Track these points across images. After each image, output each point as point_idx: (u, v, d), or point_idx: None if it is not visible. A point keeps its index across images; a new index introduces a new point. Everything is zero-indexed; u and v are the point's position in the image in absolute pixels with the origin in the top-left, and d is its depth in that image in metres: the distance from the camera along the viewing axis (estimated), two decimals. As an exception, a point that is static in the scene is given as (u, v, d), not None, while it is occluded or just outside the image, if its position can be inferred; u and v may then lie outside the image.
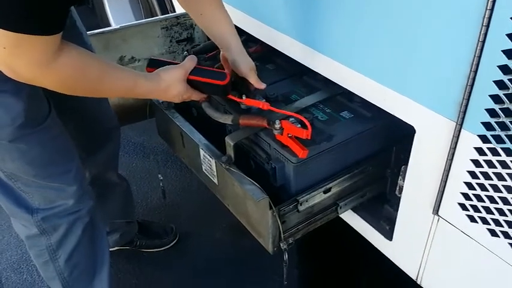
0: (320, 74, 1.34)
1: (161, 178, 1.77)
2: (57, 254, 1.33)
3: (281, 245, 1.19)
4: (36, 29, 0.81)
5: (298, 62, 1.37)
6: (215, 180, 1.34)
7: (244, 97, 1.23)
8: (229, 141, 1.19)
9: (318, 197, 1.21)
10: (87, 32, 1.55)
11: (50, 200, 1.26)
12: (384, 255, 1.35)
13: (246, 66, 1.23)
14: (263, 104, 1.18)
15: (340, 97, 1.33)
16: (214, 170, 1.31)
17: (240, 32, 1.54)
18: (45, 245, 1.32)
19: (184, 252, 1.90)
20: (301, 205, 1.18)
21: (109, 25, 2.80)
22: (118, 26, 1.60)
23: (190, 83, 1.15)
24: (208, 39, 1.68)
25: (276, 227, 1.15)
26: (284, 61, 1.52)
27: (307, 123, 1.08)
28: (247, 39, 1.57)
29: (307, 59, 1.29)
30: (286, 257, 1.21)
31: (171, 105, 1.48)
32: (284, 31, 1.34)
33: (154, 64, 1.17)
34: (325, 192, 1.22)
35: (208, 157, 1.32)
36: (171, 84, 1.11)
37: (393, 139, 1.28)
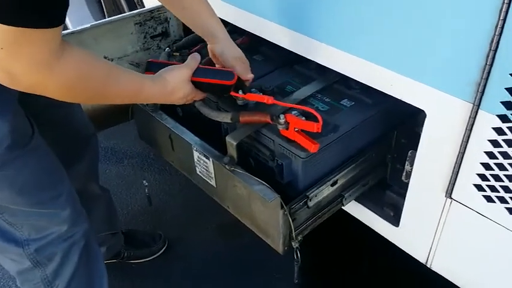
0: (312, 62, 1.30)
1: (146, 184, 1.67)
2: (53, 285, 1.22)
3: (293, 243, 1.14)
4: (37, 21, 0.71)
5: (287, 51, 1.32)
6: (212, 183, 1.28)
7: (240, 92, 1.17)
8: (232, 141, 1.12)
9: (326, 191, 1.17)
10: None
11: (41, 228, 1.14)
12: (383, 242, 1.34)
13: (232, 57, 1.17)
14: (267, 98, 1.12)
15: (337, 85, 1.29)
16: (212, 171, 1.24)
17: (224, 23, 1.47)
18: (40, 277, 1.20)
19: (176, 258, 1.81)
20: (310, 200, 1.14)
21: (66, 28, 2.63)
22: (89, 25, 1.48)
23: (194, 84, 1.08)
24: (188, 33, 1.60)
25: (287, 226, 1.11)
26: (272, 51, 1.46)
27: (318, 116, 1.03)
28: (231, 31, 1.49)
29: (302, 47, 1.24)
30: (298, 255, 1.16)
31: (158, 106, 1.39)
32: (274, 19, 1.28)
33: (152, 67, 1.08)
34: (332, 184, 1.18)
35: (204, 159, 1.25)
36: (176, 86, 1.04)
37: (394, 123, 1.26)
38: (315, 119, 1.05)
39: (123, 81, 0.94)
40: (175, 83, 1.04)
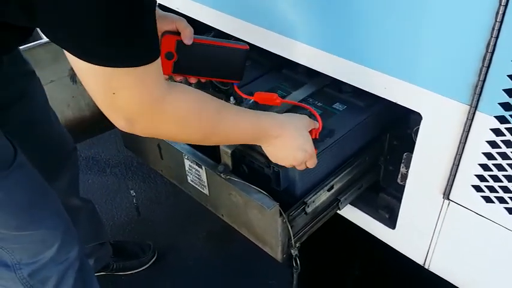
0: (301, 66, 1.28)
1: (134, 194, 1.63)
2: None
3: (292, 251, 1.13)
4: (148, 56, 0.68)
5: (274, 55, 1.30)
6: (205, 191, 1.24)
7: (232, 99, 1.15)
8: (226, 149, 1.10)
9: (323, 196, 1.16)
10: (34, 43, 1.38)
11: (34, 252, 1.09)
12: (379, 244, 1.34)
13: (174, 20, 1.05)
14: (276, 97, 1.09)
15: (328, 89, 1.28)
16: (205, 180, 1.21)
17: (209, 28, 1.44)
18: None
19: (166, 268, 1.77)
20: (308, 207, 1.12)
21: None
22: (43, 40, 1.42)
23: (198, 49, 0.97)
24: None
25: (285, 233, 1.09)
26: (258, 55, 1.43)
27: (319, 120, 1.02)
28: (216, 36, 1.47)
29: (291, 52, 1.22)
30: (298, 262, 1.15)
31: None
32: (261, 24, 1.26)
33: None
34: (329, 189, 1.17)
35: (196, 167, 1.21)
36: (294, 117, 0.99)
37: (387, 125, 1.26)
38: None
39: (235, 114, 0.90)
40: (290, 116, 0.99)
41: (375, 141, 1.26)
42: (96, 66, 0.66)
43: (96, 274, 1.67)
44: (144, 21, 0.68)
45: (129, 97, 0.71)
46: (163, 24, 0.95)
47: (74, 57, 0.66)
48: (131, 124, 0.75)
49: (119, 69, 0.67)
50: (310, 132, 1.03)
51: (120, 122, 0.75)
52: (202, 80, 1.09)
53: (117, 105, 0.72)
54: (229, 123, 0.89)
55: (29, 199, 1.02)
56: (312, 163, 1.02)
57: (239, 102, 1.18)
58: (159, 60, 0.72)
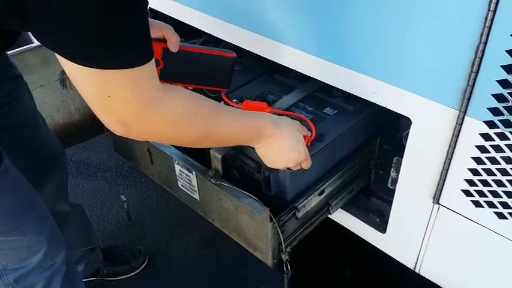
0: (292, 71, 1.28)
1: (124, 199, 1.62)
2: None
3: (282, 256, 1.12)
4: (143, 57, 0.68)
5: (265, 60, 1.30)
6: (196, 196, 1.24)
7: (222, 103, 1.14)
8: (217, 155, 1.09)
9: (313, 201, 1.16)
10: (23, 47, 1.37)
11: (20, 257, 1.08)
12: (370, 248, 1.34)
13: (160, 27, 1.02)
14: (265, 106, 1.09)
15: (318, 93, 1.28)
16: (195, 185, 1.21)
17: (199, 32, 1.44)
18: None
19: (157, 273, 1.76)
20: (299, 211, 1.12)
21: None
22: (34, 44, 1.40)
23: (184, 56, 0.97)
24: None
25: (276, 238, 1.08)
26: (250, 60, 1.43)
27: (313, 128, 1.02)
28: (207, 41, 1.47)
29: (282, 56, 1.22)
30: (288, 267, 1.14)
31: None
32: (252, 29, 1.26)
33: None
34: (320, 194, 1.17)
35: (186, 172, 1.21)
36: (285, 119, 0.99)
37: (377, 130, 1.26)
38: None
39: (229, 114, 0.89)
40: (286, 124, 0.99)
41: (365, 145, 1.26)
42: (91, 69, 0.65)
43: (86, 280, 1.67)
44: (138, 22, 0.67)
45: (125, 99, 0.70)
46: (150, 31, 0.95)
47: (67, 61, 0.66)
48: (127, 128, 0.74)
49: (113, 71, 0.67)
50: (303, 138, 1.03)
51: (115, 126, 0.74)
52: (190, 88, 1.09)
53: (113, 109, 0.71)
54: (224, 124, 0.88)
55: (14, 205, 1.01)
56: (306, 164, 1.01)
57: (229, 107, 1.18)
58: (153, 62, 0.72)
